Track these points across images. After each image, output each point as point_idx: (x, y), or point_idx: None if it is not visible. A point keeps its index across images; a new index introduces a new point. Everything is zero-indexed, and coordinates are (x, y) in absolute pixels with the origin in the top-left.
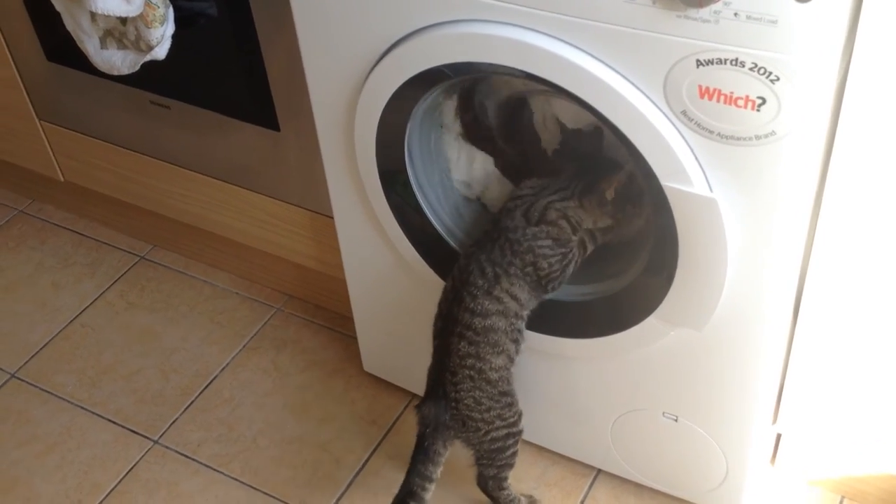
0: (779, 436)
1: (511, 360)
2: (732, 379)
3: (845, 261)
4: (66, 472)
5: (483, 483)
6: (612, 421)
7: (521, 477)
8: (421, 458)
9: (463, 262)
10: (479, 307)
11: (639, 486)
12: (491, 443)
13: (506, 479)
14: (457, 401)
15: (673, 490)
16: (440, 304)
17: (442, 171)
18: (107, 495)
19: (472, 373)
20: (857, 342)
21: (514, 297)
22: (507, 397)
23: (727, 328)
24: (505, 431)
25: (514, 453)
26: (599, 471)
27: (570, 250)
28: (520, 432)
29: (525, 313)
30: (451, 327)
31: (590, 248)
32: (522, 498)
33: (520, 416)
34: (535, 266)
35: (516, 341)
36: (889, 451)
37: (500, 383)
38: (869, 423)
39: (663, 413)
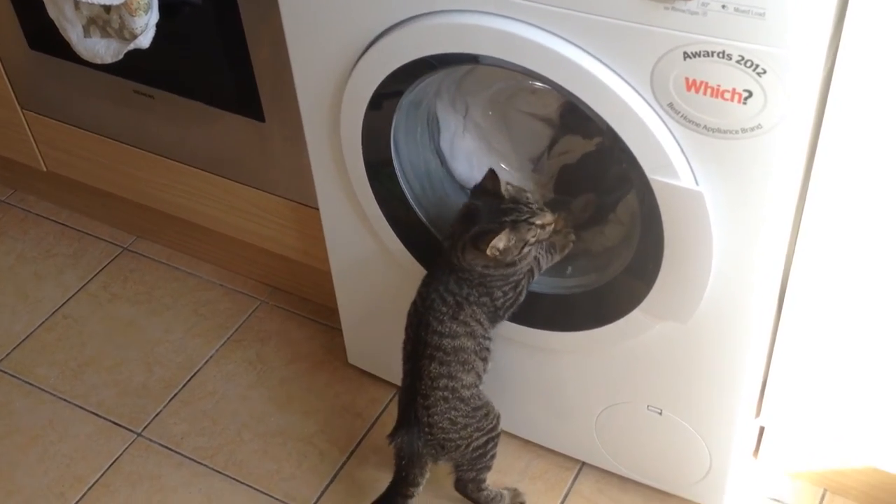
0: (762, 429)
1: (479, 378)
2: (716, 372)
3: (830, 254)
4: (49, 465)
5: (462, 487)
6: (596, 414)
7: (506, 470)
8: (401, 485)
9: (423, 289)
10: (447, 329)
11: (623, 479)
12: (473, 452)
13: (484, 479)
14: (430, 426)
15: (657, 483)
16: (406, 329)
17: (431, 161)
18: (90, 488)
19: (445, 393)
20: (841, 336)
21: (479, 322)
22: (481, 410)
23: (712, 321)
24: (485, 438)
25: (494, 455)
26: (584, 464)
27: (522, 277)
28: (499, 434)
29: (491, 334)
30: (420, 350)
31: (536, 274)
32: (505, 492)
33: (498, 418)
34: (491, 297)
35: (485, 359)
36: (871, 444)
37: (472, 400)
38: (851, 416)
39: (648, 406)
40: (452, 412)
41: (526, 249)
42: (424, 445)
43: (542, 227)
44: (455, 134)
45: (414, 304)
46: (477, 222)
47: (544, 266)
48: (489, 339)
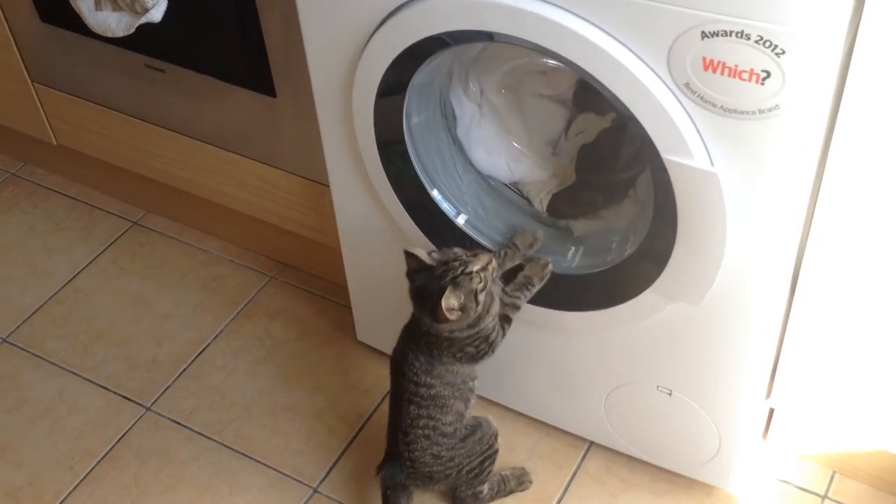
0: (771, 410)
1: (462, 415)
2: (727, 353)
3: (844, 238)
4: (58, 438)
5: (460, 502)
6: (606, 394)
7: (514, 448)
8: None
9: (399, 344)
10: (422, 381)
11: (631, 459)
12: (467, 474)
13: (482, 491)
14: (412, 461)
15: (665, 463)
16: (390, 365)
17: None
18: (98, 461)
19: (427, 431)
20: (854, 319)
21: (455, 373)
22: (471, 437)
23: (724, 303)
24: (480, 460)
25: (491, 471)
26: (592, 443)
27: (492, 332)
28: (496, 451)
29: (473, 375)
30: (399, 392)
31: (513, 316)
32: (509, 472)
33: (494, 437)
34: (464, 352)
35: (466, 400)
36: (881, 427)
37: (457, 434)
38: (863, 399)
39: (657, 386)
40: (435, 447)
41: (481, 297)
42: (407, 478)
43: (484, 269)
44: (471, 123)
45: (394, 351)
46: (427, 299)
47: (522, 304)
48: (472, 379)
